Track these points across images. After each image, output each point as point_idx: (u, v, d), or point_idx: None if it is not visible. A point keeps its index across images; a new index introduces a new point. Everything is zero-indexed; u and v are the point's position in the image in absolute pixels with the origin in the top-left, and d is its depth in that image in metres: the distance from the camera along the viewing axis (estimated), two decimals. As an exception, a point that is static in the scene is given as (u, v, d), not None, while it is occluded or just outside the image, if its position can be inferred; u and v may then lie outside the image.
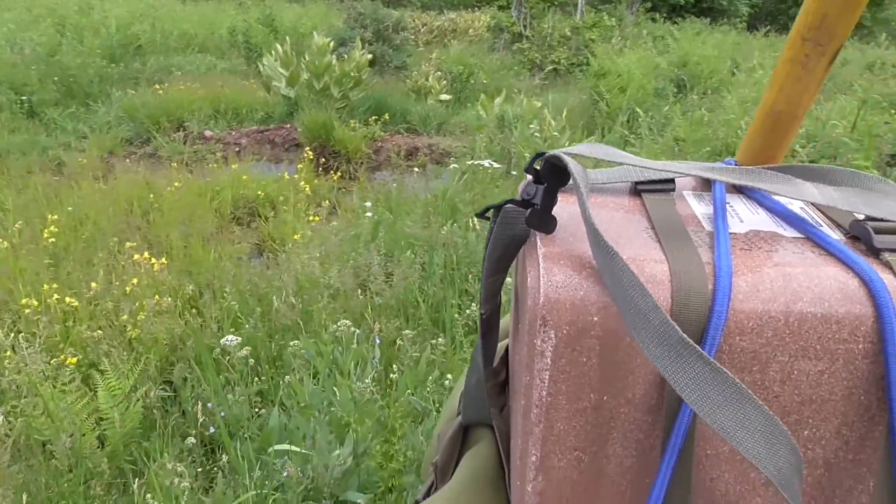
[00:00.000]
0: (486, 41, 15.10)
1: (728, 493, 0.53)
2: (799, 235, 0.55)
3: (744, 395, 0.41)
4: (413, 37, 17.97)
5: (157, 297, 3.54)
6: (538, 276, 0.50)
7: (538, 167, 0.55)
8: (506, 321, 0.79)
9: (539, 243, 0.53)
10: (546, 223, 0.53)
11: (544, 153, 0.55)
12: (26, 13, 12.06)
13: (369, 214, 4.89)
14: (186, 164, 7.69)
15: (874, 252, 0.51)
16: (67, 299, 3.51)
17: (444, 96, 10.68)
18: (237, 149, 8.32)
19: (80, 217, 5.00)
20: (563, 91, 10.53)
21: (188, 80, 10.03)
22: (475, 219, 4.25)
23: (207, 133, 8.49)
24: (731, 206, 0.60)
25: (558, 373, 0.50)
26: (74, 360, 2.95)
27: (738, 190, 0.64)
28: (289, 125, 8.85)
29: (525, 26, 14.10)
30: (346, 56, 9.70)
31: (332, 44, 10.13)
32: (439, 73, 10.98)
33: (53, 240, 4.32)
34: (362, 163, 8.16)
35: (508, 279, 0.64)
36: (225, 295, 3.83)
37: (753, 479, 0.52)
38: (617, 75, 7.87)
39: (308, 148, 8.35)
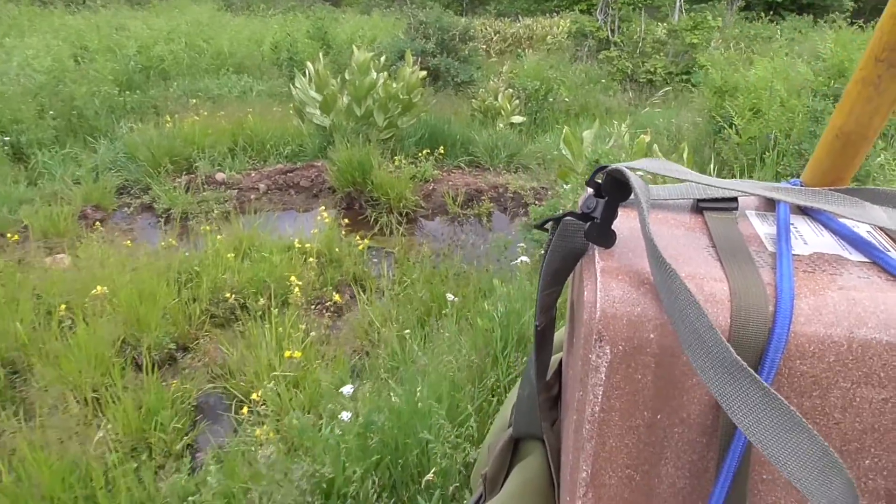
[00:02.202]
0: (566, 49, 13.05)
1: None
2: (865, 260, 0.53)
3: (798, 423, 0.39)
4: (484, 46, 16.15)
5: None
6: (595, 290, 0.50)
7: (600, 181, 0.54)
8: (560, 334, 0.79)
9: (597, 257, 0.52)
10: (605, 237, 0.52)
11: (606, 167, 0.54)
12: (53, 36, 10.79)
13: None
14: (187, 218, 6.05)
15: None
16: None
17: (517, 118, 8.75)
18: (253, 196, 6.62)
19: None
20: (667, 109, 8.43)
21: (212, 107, 8.46)
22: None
23: (219, 176, 6.82)
24: (796, 228, 0.58)
25: (612, 389, 0.49)
26: None
27: (803, 211, 0.62)
28: (320, 163, 7.10)
29: (612, 31, 12.00)
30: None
31: (384, 59, 8.38)
32: (510, 90, 9.05)
33: None
34: (408, 213, 6.32)
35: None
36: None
37: None
38: (749, 92, 5.75)
39: (340, 194, 6.57)
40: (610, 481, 0.52)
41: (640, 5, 12.92)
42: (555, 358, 0.77)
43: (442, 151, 7.14)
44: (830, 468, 0.39)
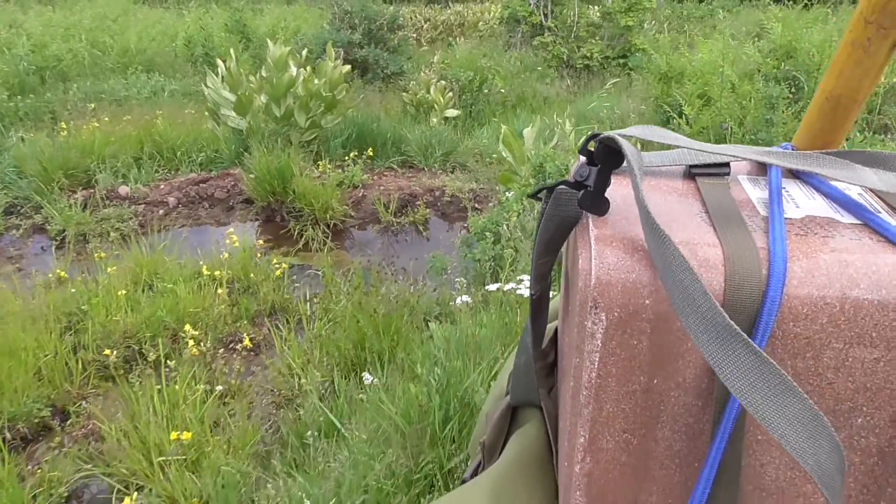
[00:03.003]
0: (499, 36, 12.56)
1: (778, 479, 0.53)
2: (856, 222, 0.53)
3: (788, 387, 0.40)
4: (414, 35, 15.56)
5: None
6: (590, 257, 0.50)
7: (592, 148, 0.54)
8: (555, 302, 0.78)
9: (591, 225, 0.52)
10: (599, 205, 0.52)
11: (598, 134, 0.54)
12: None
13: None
14: (85, 240, 5.33)
15: None
16: None
17: (451, 112, 8.22)
18: (162, 211, 5.93)
19: None
20: (608, 96, 8.01)
21: (117, 110, 7.67)
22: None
23: (123, 189, 6.10)
24: (787, 191, 0.59)
25: (608, 355, 0.50)
26: None
27: (795, 175, 0.62)
28: (237, 171, 6.44)
29: (546, 15, 11.57)
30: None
31: (306, 53, 7.73)
32: (443, 81, 8.51)
33: None
34: (335, 224, 5.73)
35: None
36: None
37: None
38: (696, 77, 5.35)
39: (258, 206, 5.95)
40: (608, 446, 0.53)
41: (572, -12, 12.52)
42: (550, 326, 0.77)
43: (371, 153, 6.55)
44: (819, 430, 0.40)
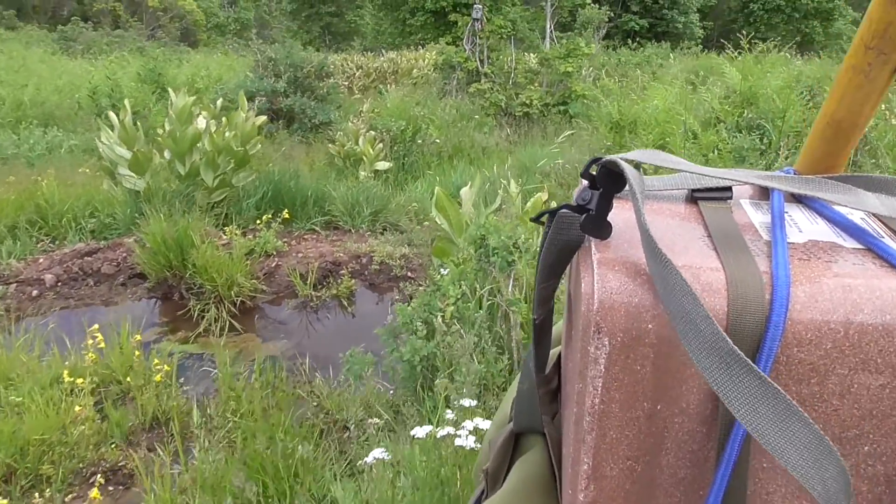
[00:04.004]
0: (433, 83, 12.00)
1: None
2: (860, 246, 0.53)
3: (793, 412, 0.39)
4: (346, 83, 14.93)
5: None
6: (592, 281, 0.49)
7: (594, 172, 0.53)
8: (558, 328, 0.77)
9: (594, 249, 0.51)
10: (601, 229, 0.52)
11: (600, 158, 0.53)
12: None
13: None
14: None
15: None
16: None
17: (382, 164, 7.51)
18: (36, 291, 4.98)
19: None
20: (549, 145, 7.41)
21: (0, 170, 6.69)
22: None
23: (-11, 267, 5.14)
24: (790, 216, 0.58)
25: (612, 380, 0.49)
26: None
27: (797, 199, 0.62)
28: (133, 238, 5.54)
29: (482, 62, 11.07)
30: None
31: (221, 103, 6.95)
32: (372, 132, 7.81)
33: None
34: (243, 301, 4.88)
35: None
36: None
37: (812, 495, 0.47)
38: (652, 126, 4.76)
39: (153, 282, 5.06)
40: (611, 473, 0.52)
41: (507, 35, 12.09)
42: (554, 351, 0.75)
43: (287, 215, 5.73)
44: (825, 455, 0.39)
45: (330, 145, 7.98)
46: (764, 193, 0.63)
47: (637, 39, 22.82)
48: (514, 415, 0.79)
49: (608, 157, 0.52)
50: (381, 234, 6.06)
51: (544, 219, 0.58)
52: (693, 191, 0.60)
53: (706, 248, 0.51)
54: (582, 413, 0.51)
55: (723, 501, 0.49)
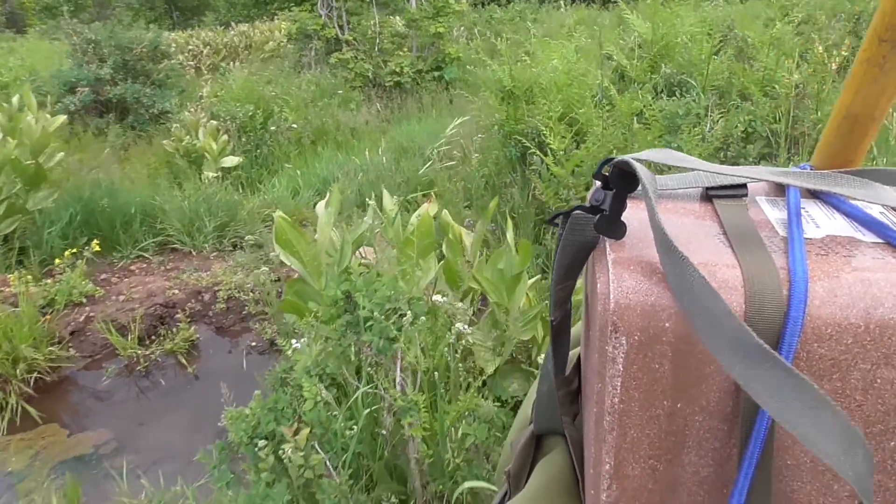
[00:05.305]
0: (287, 56, 10.59)
1: None
2: (878, 240, 0.52)
3: (823, 401, 0.39)
4: (193, 63, 13.24)
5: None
6: (608, 281, 0.48)
7: (607, 173, 0.54)
8: (577, 329, 0.78)
9: (608, 249, 0.51)
10: (615, 229, 0.52)
11: (612, 158, 0.53)
12: None
13: None
14: None
15: None
16: None
17: (230, 160, 6.21)
18: None
19: None
20: (426, 119, 6.33)
21: None
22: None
23: None
24: (807, 212, 0.57)
25: (630, 379, 0.48)
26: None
27: (814, 195, 0.61)
28: None
29: (341, 27, 9.78)
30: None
31: (17, 101, 5.43)
32: (214, 122, 6.47)
33: None
34: (39, 376, 3.58)
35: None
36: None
37: (837, 492, 0.50)
38: (554, 93, 3.78)
39: None
40: (633, 472, 0.51)
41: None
42: (573, 353, 0.75)
43: (96, 246, 4.36)
44: (854, 441, 0.39)
45: (165, 142, 6.56)
46: (780, 190, 0.62)
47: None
48: (535, 417, 0.78)
49: (620, 157, 0.52)
50: (232, 251, 4.82)
51: (559, 220, 0.58)
52: (707, 189, 0.60)
53: (722, 246, 0.51)
54: (602, 413, 0.50)
55: (747, 500, 0.48)
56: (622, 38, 5.11)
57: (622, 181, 0.51)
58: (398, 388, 1.91)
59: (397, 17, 10.42)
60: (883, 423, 0.47)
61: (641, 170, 0.50)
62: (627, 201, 0.52)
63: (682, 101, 3.28)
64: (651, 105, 3.42)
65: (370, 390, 1.94)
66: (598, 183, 0.55)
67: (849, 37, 4.63)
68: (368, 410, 1.88)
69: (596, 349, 0.51)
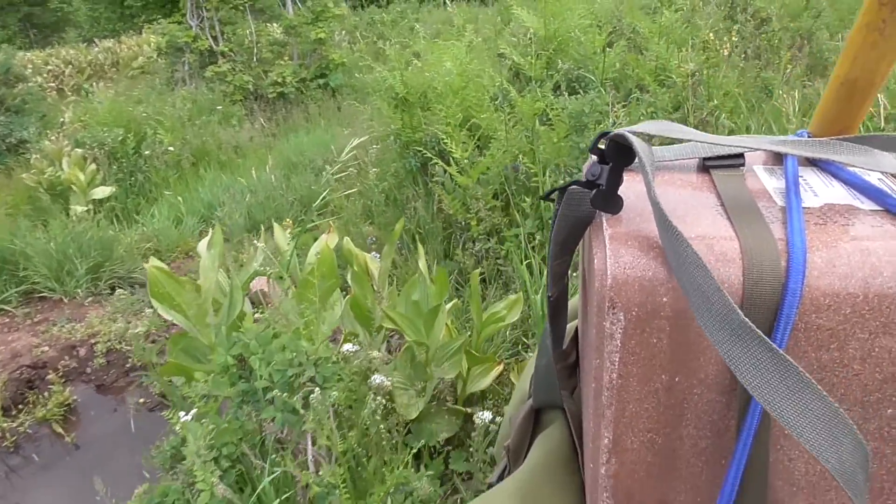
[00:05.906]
0: (158, 72, 9.92)
1: (808, 474, 0.51)
2: (877, 208, 0.51)
3: (807, 384, 0.38)
4: (54, 84, 12.28)
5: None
6: (605, 257, 0.48)
7: (602, 147, 0.52)
8: (574, 302, 0.76)
9: (605, 224, 0.50)
10: (612, 203, 0.50)
11: (608, 132, 0.52)
12: None
13: None
14: None
15: None
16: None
17: (101, 191, 5.65)
18: None
19: None
20: (314, 130, 5.96)
21: None
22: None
23: None
24: (805, 180, 0.56)
25: (628, 355, 0.48)
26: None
27: (812, 163, 0.60)
28: None
29: (215, 38, 9.23)
30: None
31: None
32: (79, 150, 5.88)
33: None
34: None
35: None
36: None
37: None
38: (449, 97, 3.55)
39: None
40: (632, 446, 0.51)
41: (242, 5, 10.27)
42: (571, 325, 0.74)
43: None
44: (840, 428, 0.38)
45: (25, 175, 5.91)
46: (778, 159, 0.61)
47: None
48: (533, 391, 0.77)
49: (616, 130, 0.50)
50: (110, 294, 4.33)
51: (555, 195, 0.56)
52: (704, 159, 0.59)
53: (719, 218, 0.50)
54: (600, 388, 0.50)
55: (745, 470, 0.48)
56: (512, 34, 4.94)
57: (618, 155, 0.50)
58: (311, 466, 1.61)
59: (275, 25, 9.96)
60: (881, 392, 0.47)
61: (638, 143, 0.49)
62: (624, 175, 0.51)
63: (587, 98, 3.11)
64: (553, 104, 3.24)
65: (280, 471, 1.63)
66: (594, 157, 0.53)
67: (724, 21, 4.63)
68: (278, 501, 1.57)
69: (594, 325, 0.50)
